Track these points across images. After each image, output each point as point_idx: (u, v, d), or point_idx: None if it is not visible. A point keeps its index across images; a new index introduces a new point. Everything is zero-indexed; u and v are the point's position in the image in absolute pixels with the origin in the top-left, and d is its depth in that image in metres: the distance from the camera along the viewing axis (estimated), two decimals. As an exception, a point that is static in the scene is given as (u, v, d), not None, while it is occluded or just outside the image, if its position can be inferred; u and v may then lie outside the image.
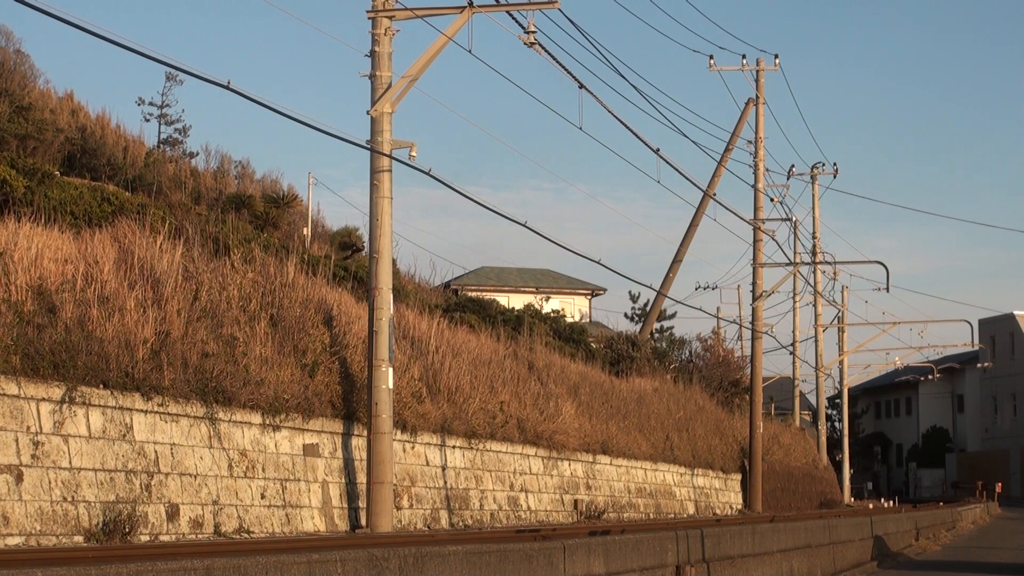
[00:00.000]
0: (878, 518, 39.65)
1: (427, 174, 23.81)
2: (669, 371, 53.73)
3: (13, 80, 39.08)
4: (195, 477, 20.99)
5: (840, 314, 69.50)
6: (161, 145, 47.35)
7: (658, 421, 44.61)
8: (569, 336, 48.79)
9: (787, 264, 53.42)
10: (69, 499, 18.44)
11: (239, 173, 48.27)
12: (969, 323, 75.73)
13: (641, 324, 60.13)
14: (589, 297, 73.80)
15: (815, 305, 67.76)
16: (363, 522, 24.61)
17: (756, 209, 47.42)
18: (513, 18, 24.05)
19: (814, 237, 64.97)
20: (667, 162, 32.25)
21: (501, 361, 34.33)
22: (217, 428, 21.79)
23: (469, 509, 29.40)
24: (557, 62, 25.04)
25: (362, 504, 24.92)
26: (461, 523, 28.73)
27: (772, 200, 49.80)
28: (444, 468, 28.77)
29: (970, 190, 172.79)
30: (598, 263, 32.08)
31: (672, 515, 42.26)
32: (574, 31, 34.59)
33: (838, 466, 69.92)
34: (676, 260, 57.56)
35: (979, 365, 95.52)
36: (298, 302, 25.71)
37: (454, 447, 29.35)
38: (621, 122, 28.75)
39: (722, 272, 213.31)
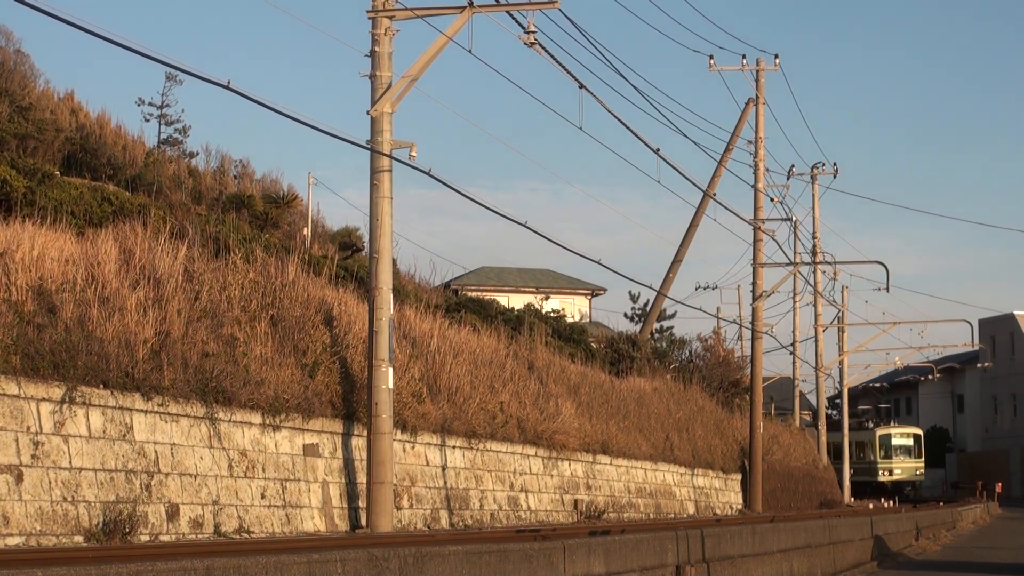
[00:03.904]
0: (878, 518, 39.67)
1: (427, 174, 23.83)
2: (669, 371, 53.72)
3: (13, 80, 39.08)
4: (195, 477, 20.99)
5: (840, 314, 69.48)
6: (161, 145, 47.32)
7: (658, 421, 44.61)
8: (569, 336, 48.77)
9: (787, 264, 53.42)
10: (69, 499, 18.44)
11: (239, 173, 48.26)
12: (969, 323, 75.78)
13: (641, 324, 60.12)
14: (589, 297, 73.78)
15: (815, 305, 67.75)
16: (363, 522, 24.61)
17: (756, 209, 47.41)
18: (513, 18, 24.07)
19: (814, 237, 64.95)
20: (667, 162, 32.27)
21: (501, 361, 34.33)
22: (217, 428, 21.79)
23: (469, 509, 29.40)
24: (557, 62, 25.05)
25: (362, 504, 24.92)
26: (461, 523, 28.73)
27: (772, 200, 49.82)
28: (444, 468, 28.77)
29: (970, 190, 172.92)
30: (598, 263, 32.11)
31: (672, 515, 42.26)
32: (574, 31, 34.60)
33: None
34: (676, 260, 57.55)
35: (979, 365, 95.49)
36: (298, 302, 25.71)
37: (454, 447, 29.35)
38: (621, 122, 28.77)
39: (722, 272, 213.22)
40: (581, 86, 26.12)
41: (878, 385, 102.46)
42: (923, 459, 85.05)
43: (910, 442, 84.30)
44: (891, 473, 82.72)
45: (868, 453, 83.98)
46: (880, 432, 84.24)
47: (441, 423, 28.78)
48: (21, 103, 37.09)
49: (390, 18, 24.62)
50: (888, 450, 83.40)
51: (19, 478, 17.76)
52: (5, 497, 17.46)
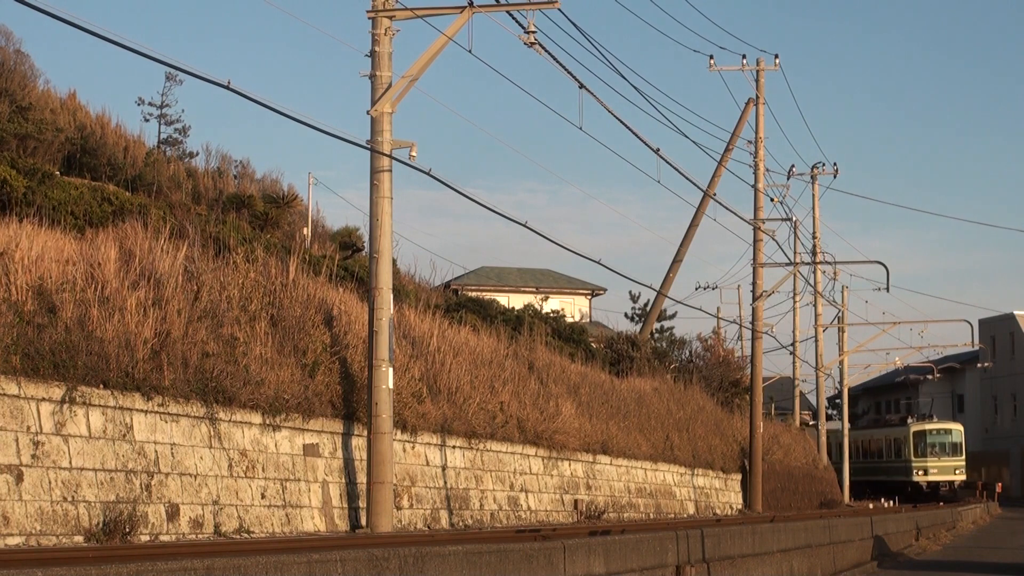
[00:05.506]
0: (878, 518, 39.69)
1: (427, 174, 23.83)
2: (669, 371, 53.72)
3: (13, 80, 39.10)
4: (195, 477, 20.99)
5: (840, 314, 69.48)
6: (161, 145, 47.38)
7: (658, 421, 44.61)
8: (569, 336, 48.78)
9: (787, 264, 53.43)
10: (69, 499, 18.44)
11: (239, 173, 48.31)
12: (969, 323, 75.60)
13: (641, 324, 60.12)
14: (589, 297, 73.79)
15: (815, 305, 67.76)
16: (363, 522, 24.61)
17: (756, 209, 47.42)
18: (513, 18, 24.07)
19: (814, 237, 64.97)
20: (667, 162, 32.27)
21: (501, 361, 34.33)
22: (217, 428, 21.79)
23: (469, 509, 29.39)
24: (557, 62, 25.05)
25: (362, 504, 24.92)
26: (461, 523, 28.73)
27: (772, 200, 49.81)
28: (444, 468, 28.77)
29: (970, 190, 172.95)
30: (598, 263, 32.11)
31: (672, 515, 42.25)
32: (574, 31, 34.62)
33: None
34: (676, 260, 57.58)
35: (979, 365, 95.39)
36: (298, 302, 25.71)
37: (454, 447, 29.35)
38: (621, 122, 28.77)
39: (722, 272, 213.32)
40: (581, 86, 26.11)
41: (916, 378, 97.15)
42: (964, 457, 79.55)
43: (949, 438, 79.12)
44: (926, 472, 78.38)
45: (903, 451, 79.71)
46: (915, 428, 79.46)
47: (441, 423, 28.78)
48: (21, 103, 37.11)
49: (390, 18, 24.62)
50: (924, 448, 78.61)
51: (19, 478, 17.76)
52: (5, 497, 17.46)
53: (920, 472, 78.91)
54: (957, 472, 78.89)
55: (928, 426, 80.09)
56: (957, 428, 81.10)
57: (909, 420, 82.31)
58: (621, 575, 19.55)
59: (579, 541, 18.99)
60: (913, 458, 79.09)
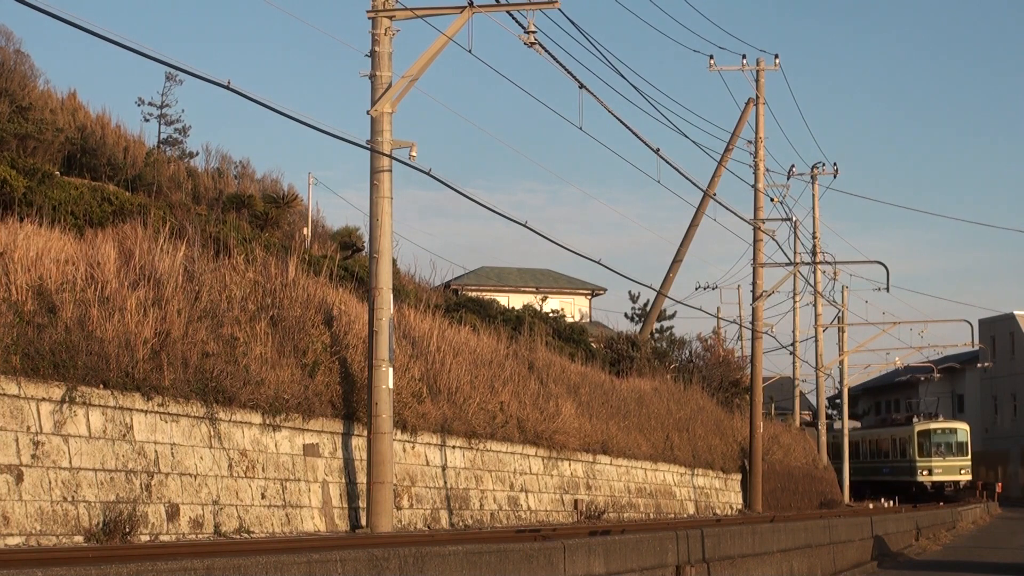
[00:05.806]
0: (878, 518, 39.69)
1: (427, 174, 23.83)
2: (669, 371, 53.71)
3: (13, 80, 39.11)
4: (195, 477, 20.99)
5: (840, 314, 69.50)
6: (161, 145, 47.38)
7: (658, 421, 44.61)
8: (569, 336, 48.77)
9: (787, 264, 53.44)
10: (69, 499, 18.44)
11: (239, 173, 48.31)
12: (969, 323, 75.56)
13: (641, 324, 60.11)
14: (589, 297, 73.77)
15: (815, 305, 67.77)
16: (363, 522, 24.62)
17: (756, 209, 47.43)
18: (513, 18, 24.07)
19: (814, 237, 64.98)
20: (667, 162, 32.28)
21: (501, 361, 34.32)
22: (217, 428, 21.79)
23: (469, 509, 29.39)
24: (557, 62, 25.05)
25: (362, 504, 24.92)
26: (461, 523, 28.73)
27: (772, 200, 49.82)
28: (444, 468, 28.77)
29: (970, 190, 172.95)
30: (598, 263, 32.12)
31: (672, 515, 42.25)
32: (574, 31, 34.64)
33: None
34: (676, 260, 57.59)
35: (979, 365, 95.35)
36: (298, 302, 25.70)
37: (454, 447, 29.35)
38: (621, 122, 28.77)
39: (722, 272, 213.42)
40: (581, 86, 26.11)
41: (917, 377, 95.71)
42: (969, 456, 78.30)
43: (954, 438, 77.76)
44: (931, 472, 76.97)
45: (907, 450, 78.43)
46: (919, 427, 78.05)
47: (441, 423, 28.78)
48: (21, 103, 37.12)
49: (390, 18, 24.62)
50: (929, 447, 77.24)
51: (19, 478, 17.76)
52: (5, 497, 17.46)
53: (925, 472, 77.74)
54: (962, 472, 77.67)
55: (933, 425, 78.83)
56: (963, 427, 79.85)
57: (914, 419, 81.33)
58: (621, 575, 19.55)
59: (579, 541, 18.99)
60: (918, 458, 77.94)
